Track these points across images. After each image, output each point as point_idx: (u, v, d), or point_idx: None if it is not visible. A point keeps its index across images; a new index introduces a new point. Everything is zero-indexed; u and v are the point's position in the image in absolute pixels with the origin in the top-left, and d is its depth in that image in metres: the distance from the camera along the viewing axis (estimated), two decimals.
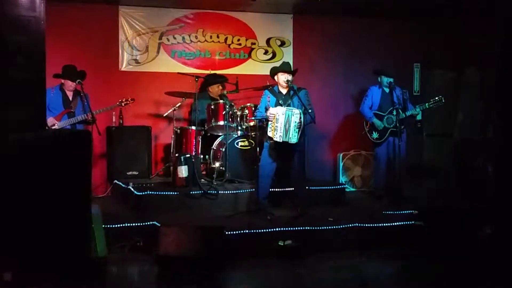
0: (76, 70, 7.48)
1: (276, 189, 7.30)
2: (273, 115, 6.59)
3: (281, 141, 6.59)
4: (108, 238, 5.59)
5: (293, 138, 6.58)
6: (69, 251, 4.81)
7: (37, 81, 4.91)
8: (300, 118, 6.57)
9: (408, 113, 7.70)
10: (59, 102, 7.46)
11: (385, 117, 7.79)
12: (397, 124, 7.55)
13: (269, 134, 6.68)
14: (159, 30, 8.92)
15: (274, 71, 6.96)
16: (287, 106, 6.73)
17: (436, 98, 7.66)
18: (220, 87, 8.42)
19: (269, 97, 6.91)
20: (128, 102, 7.88)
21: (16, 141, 4.73)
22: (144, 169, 8.26)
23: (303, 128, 6.64)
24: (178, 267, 5.30)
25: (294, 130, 6.56)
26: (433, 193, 8.36)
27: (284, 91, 6.92)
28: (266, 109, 6.79)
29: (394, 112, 7.63)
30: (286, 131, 6.56)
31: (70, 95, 7.55)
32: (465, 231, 6.26)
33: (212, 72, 8.81)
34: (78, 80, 7.33)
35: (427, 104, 7.70)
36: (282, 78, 6.84)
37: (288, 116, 6.56)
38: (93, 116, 7.26)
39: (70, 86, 7.49)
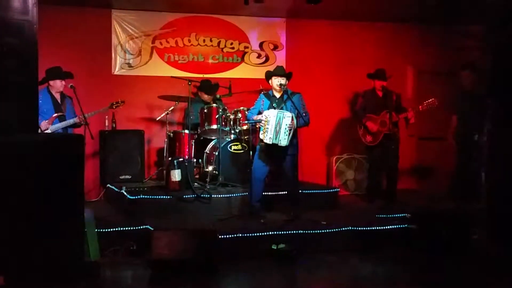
0: (61, 70, 7.33)
1: (269, 193, 7.30)
2: (265, 117, 6.59)
3: (270, 143, 6.58)
4: (101, 242, 5.58)
5: (283, 141, 6.55)
6: (61, 255, 4.80)
7: (30, 84, 4.90)
8: (292, 121, 6.56)
9: (401, 116, 7.72)
10: (49, 106, 7.23)
11: (379, 121, 7.79)
12: (391, 127, 7.56)
13: (260, 136, 6.69)
14: (152, 34, 8.90)
15: (268, 75, 6.96)
16: (280, 109, 6.73)
17: (429, 100, 7.67)
18: (211, 97, 8.42)
19: (263, 100, 6.92)
20: (119, 104, 7.78)
21: (8, 144, 4.71)
22: (137, 173, 8.23)
23: (295, 131, 6.65)
24: (171, 271, 5.30)
25: (285, 133, 6.53)
26: (426, 196, 8.38)
27: (278, 95, 6.91)
28: (259, 113, 6.79)
29: (388, 115, 7.64)
30: (277, 133, 6.54)
31: (58, 98, 7.36)
32: (458, 235, 6.27)
33: (206, 76, 8.81)
34: (70, 85, 7.19)
35: (420, 106, 7.70)
36: (276, 82, 6.83)
37: (280, 118, 6.55)
38: (85, 119, 7.10)
39: (59, 86, 7.28)
